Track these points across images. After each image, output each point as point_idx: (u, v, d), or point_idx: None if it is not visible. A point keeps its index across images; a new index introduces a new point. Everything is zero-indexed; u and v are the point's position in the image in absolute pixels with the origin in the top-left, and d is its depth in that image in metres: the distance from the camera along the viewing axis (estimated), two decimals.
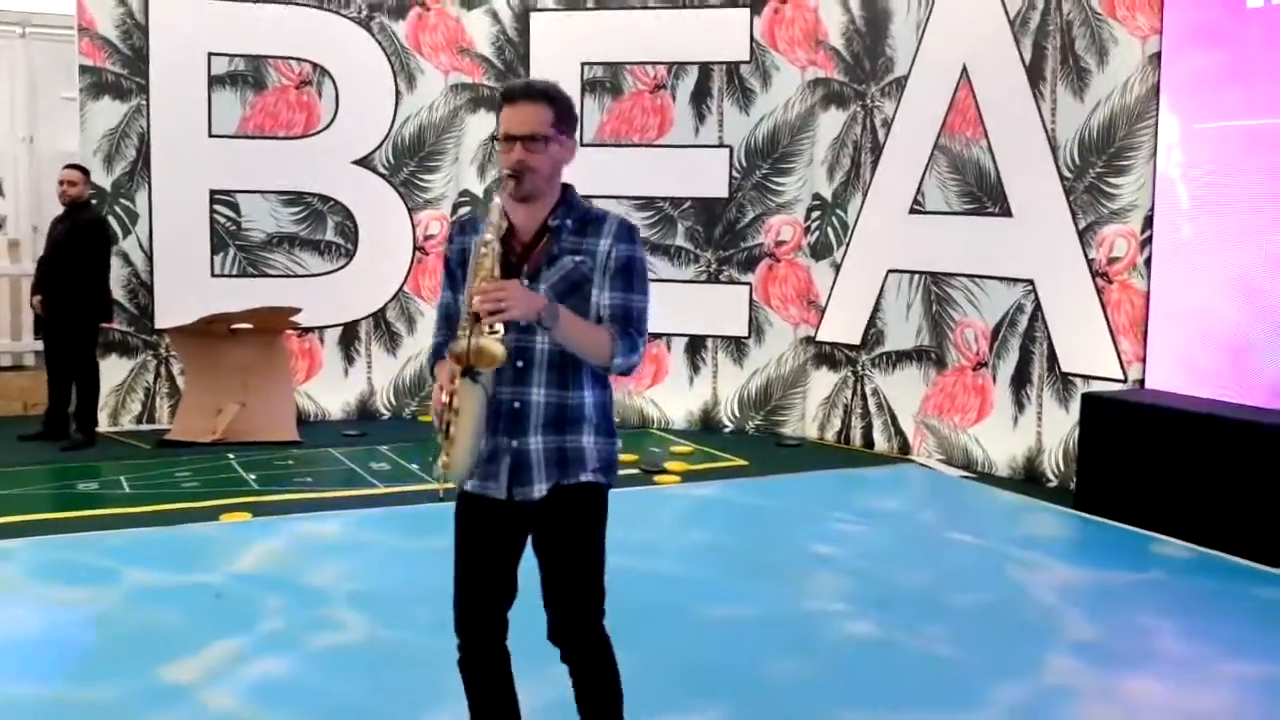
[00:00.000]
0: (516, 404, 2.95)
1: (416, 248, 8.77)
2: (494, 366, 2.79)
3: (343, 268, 8.66)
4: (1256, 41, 6.18)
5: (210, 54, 8.34)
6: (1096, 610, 5.05)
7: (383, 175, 8.66)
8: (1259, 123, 6.17)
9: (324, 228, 8.62)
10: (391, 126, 8.63)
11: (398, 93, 8.63)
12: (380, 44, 8.58)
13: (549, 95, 2.97)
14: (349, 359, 8.76)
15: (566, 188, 3.05)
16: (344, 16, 8.52)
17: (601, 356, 2.93)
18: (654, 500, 6.72)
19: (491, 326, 2.78)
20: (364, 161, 8.62)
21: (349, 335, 8.75)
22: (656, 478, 7.21)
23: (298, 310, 8.12)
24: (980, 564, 5.66)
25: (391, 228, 8.71)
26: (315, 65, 8.51)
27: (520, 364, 2.94)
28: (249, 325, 8.02)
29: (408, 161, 8.70)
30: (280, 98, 8.48)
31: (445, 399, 2.82)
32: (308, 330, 8.56)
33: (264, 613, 4.82)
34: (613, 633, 4.63)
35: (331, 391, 8.73)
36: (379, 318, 8.78)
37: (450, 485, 3.06)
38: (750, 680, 3.97)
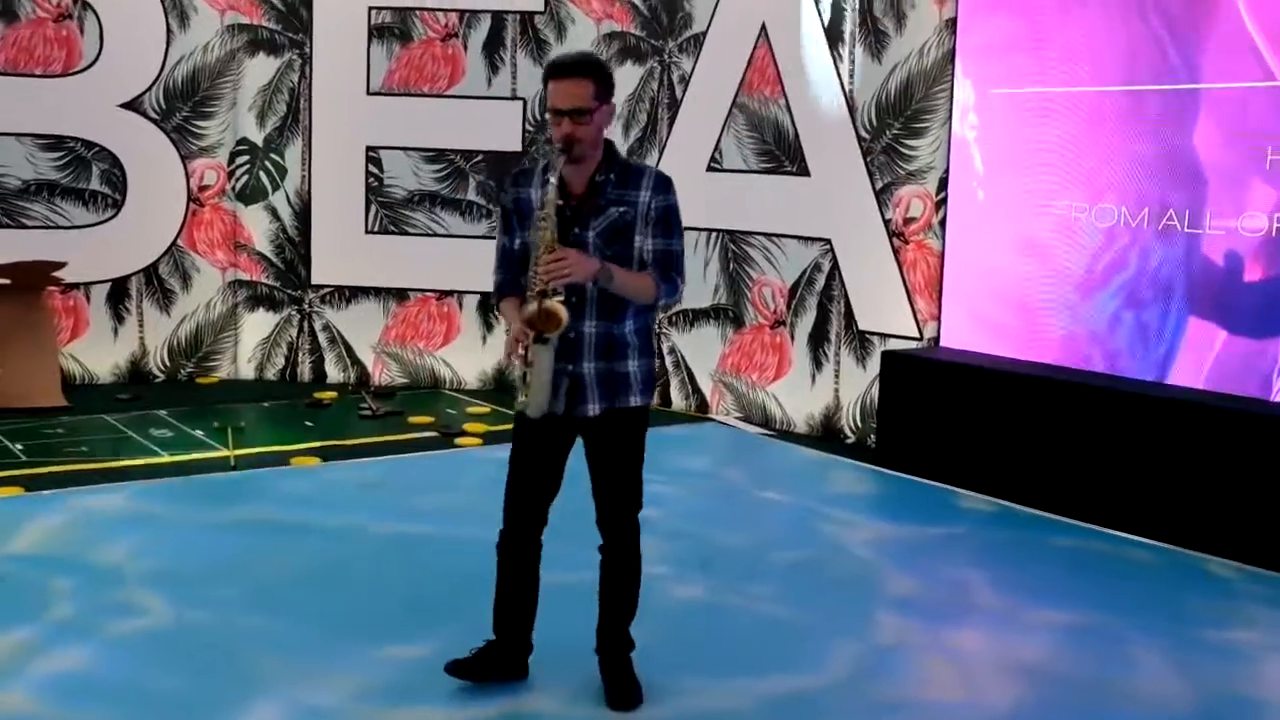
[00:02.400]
0: (572, 334, 3.46)
1: (191, 199, 8.23)
2: (560, 329, 3.33)
3: (110, 219, 8.05)
4: (1047, 11, 6.37)
5: None
6: (911, 564, 5.16)
7: (153, 120, 8.07)
8: (1049, 90, 6.38)
9: (89, 176, 7.99)
10: (163, 68, 8.04)
11: (169, 31, 8.05)
12: None
13: (591, 69, 3.40)
14: (119, 318, 8.17)
15: (609, 144, 3.50)
16: None
17: (648, 298, 3.51)
18: (456, 464, 6.53)
19: (555, 290, 3.31)
20: (132, 105, 8.02)
21: (118, 292, 8.15)
22: (456, 440, 7.00)
23: (61, 265, 7.51)
24: (794, 522, 5.71)
25: (164, 177, 8.13)
26: None
27: (574, 300, 3.43)
28: (5, 281, 7.36)
29: (181, 106, 8.14)
30: (36, 31, 7.79)
31: (521, 353, 3.37)
32: (72, 287, 7.93)
33: (52, 597, 4.42)
34: (434, 606, 4.50)
35: (100, 353, 8.13)
36: (151, 273, 8.21)
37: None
38: (586, 650, 3.85)
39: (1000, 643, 4.34)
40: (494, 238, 8.40)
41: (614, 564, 3.73)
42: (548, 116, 3.43)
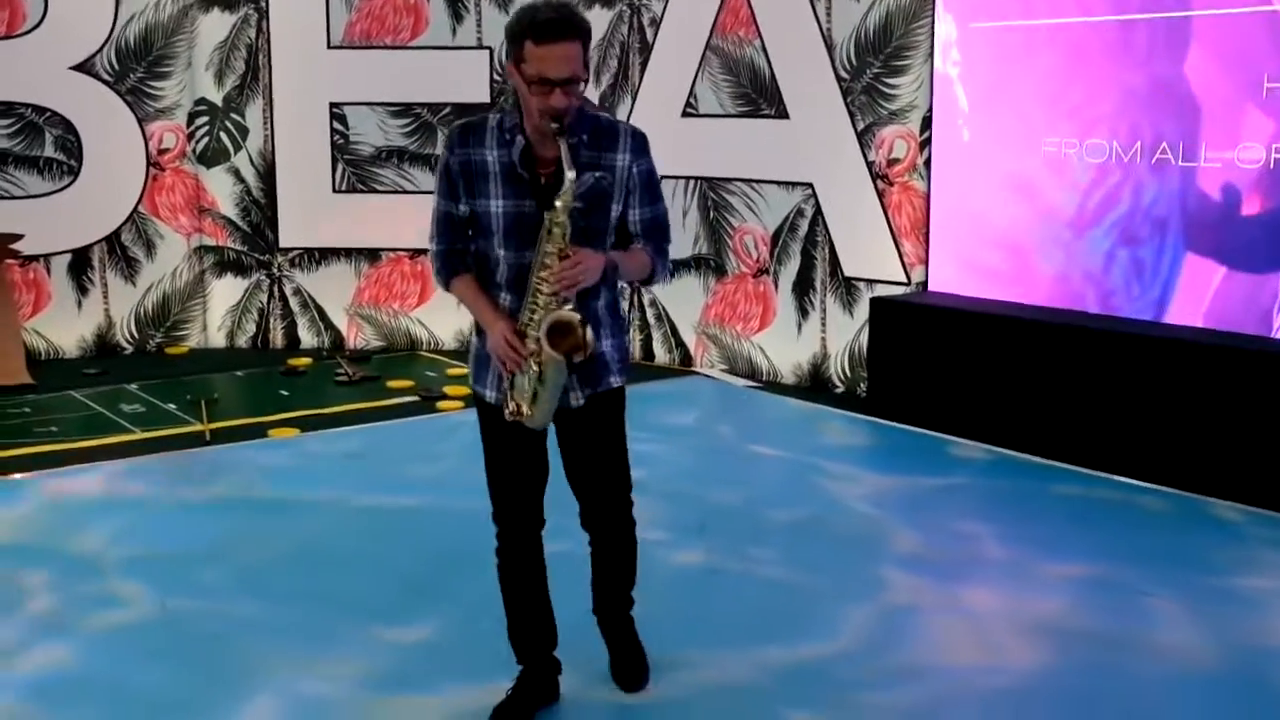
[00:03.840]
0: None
1: (151, 163, 7.95)
2: (585, 348, 2.95)
3: (67, 187, 7.76)
4: None
5: None
6: (913, 519, 5.03)
7: (107, 82, 7.76)
8: (1034, 23, 6.19)
9: (42, 143, 7.69)
10: (113, 27, 7.73)
11: None
12: None
13: (583, 30, 2.93)
14: (82, 289, 7.90)
15: None
16: None
17: (645, 277, 3.21)
18: (439, 429, 6.35)
19: (564, 298, 2.97)
20: (84, 67, 7.70)
21: (80, 263, 7.87)
22: (438, 404, 6.81)
23: (19, 237, 7.25)
24: (789, 477, 5.57)
25: (121, 141, 7.84)
26: None
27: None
28: None
29: (134, 67, 7.83)
30: None
31: (535, 369, 3.00)
32: (31, 259, 7.66)
33: (27, 592, 4.23)
34: (431, 584, 4.33)
35: (64, 326, 7.86)
36: (113, 242, 7.93)
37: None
38: (586, 623, 3.69)
39: (1015, 600, 4.22)
40: None
41: (608, 554, 3.48)
42: (527, 85, 2.90)
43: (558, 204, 2.93)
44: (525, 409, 3.06)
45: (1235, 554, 4.65)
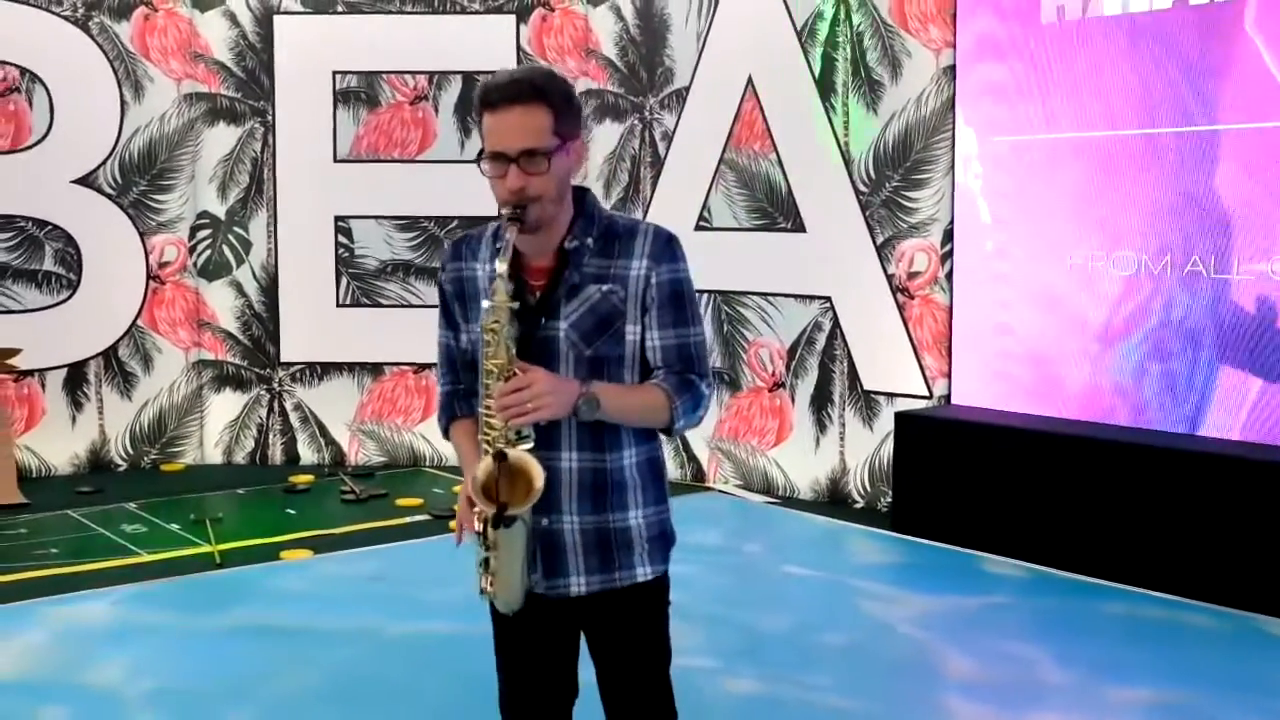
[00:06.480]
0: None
1: (151, 276, 7.79)
2: (531, 500, 2.24)
3: (65, 301, 7.59)
4: (1051, 56, 6.20)
5: None
6: (964, 641, 4.85)
7: (109, 196, 7.64)
8: (1057, 137, 6.20)
9: (41, 256, 7.53)
10: (117, 141, 7.63)
11: (123, 103, 7.65)
12: (101, 47, 7.57)
13: (543, 91, 2.26)
14: (76, 404, 7.68)
15: (582, 195, 2.43)
16: (55, 14, 7.47)
17: (659, 421, 2.41)
18: (457, 550, 6.10)
19: (519, 431, 2.27)
20: (86, 180, 7.59)
21: (75, 377, 7.67)
22: (451, 523, 6.59)
23: (16, 351, 7.05)
24: (831, 599, 5.39)
25: (121, 255, 7.69)
26: (23, 70, 7.43)
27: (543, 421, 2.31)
28: None
29: (138, 180, 7.72)
30: None
31: (479, 530, 2.34)
32: (27, 374, 7.44)
33: None
34: (467, 716, 4.09)
35: (57, 443, 7.62)
36: (110, 356, 7.74)
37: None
38: None
39: None
40: None
41: None
42: (483, 166, 2.31)
43: (486, 304, 2.28)
44: (489, 585, 2.37)
45: None
